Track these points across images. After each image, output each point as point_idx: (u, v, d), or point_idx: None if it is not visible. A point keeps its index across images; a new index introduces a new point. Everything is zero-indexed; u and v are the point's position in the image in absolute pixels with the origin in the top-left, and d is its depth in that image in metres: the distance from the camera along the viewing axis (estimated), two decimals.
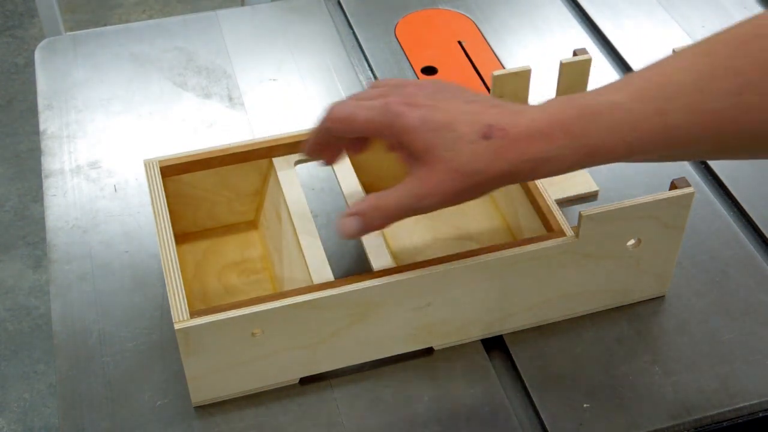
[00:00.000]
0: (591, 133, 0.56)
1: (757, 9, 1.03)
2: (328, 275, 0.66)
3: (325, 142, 0.66)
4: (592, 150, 0.57)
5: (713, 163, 0.85)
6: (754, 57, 0.53)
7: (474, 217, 0.78)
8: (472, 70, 0.96)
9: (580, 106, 0.57)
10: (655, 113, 0.55)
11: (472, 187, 0.58)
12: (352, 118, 0.61)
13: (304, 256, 0.67)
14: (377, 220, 0.61)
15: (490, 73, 0.76)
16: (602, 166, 0.81)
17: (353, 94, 0.65)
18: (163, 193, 0.70)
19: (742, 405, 0.67)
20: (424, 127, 0.58)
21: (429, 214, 0.78)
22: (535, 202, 0.71)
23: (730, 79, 0.53)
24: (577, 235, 0.66)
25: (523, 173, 0.58)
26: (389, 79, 0.67)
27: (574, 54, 0.77)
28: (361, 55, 0.99)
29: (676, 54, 0.57)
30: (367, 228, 0.61)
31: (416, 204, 0.59)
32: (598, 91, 0.58)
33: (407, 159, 0.61)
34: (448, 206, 0.60)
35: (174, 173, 0.72)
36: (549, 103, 0.59)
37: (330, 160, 0.68)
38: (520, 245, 0.66)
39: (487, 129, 0.57)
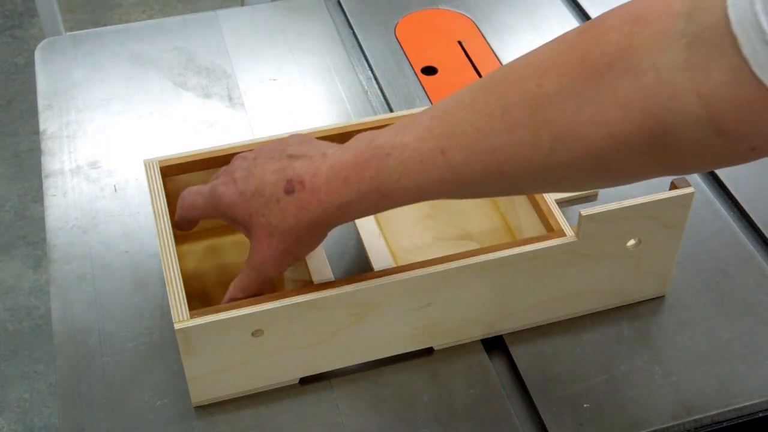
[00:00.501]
0: (382, 175, 0.57)
1: None
2: (328, 275, 0.66)
3: (186, 225, 0.69)
4: (386, 192, 0.58)
5: None
6: (521, 95, 0.53)
7: (474, 217, 0.78)
8: (472, 70, 0.96)
9: (375, 147, 0.58)
10: (438, 152, 0.55)
11: (293, 243, 0.61)
12: (193, 206, 0.66)
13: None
14: (244, 298, 0.64)
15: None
16: None
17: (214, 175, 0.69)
18: (163, 193, 0.70)
19: (742, 405, 0.67)
20: (240, 199, 0.62)
21: (429, 214, 0.78)
22: (535, 202, 0.71)
23: (502, 117, 0.53)
24: (577, 235, 0.66)
25: (333, 218, 0.60)
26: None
27: None
28: (361, 55, 0.99)
29: (464, 89, 0.57)
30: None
31: (260, 274, 0.63)
32: (393, 131, 0.58)
33: (244, 232, 0.64)
34: (291, 264, 0.63)
35: (174, 173, 0.72)
36: (354, 141, 0.60)
37: (187, 229, 0.71)
38: (520, 245, 0.66)
39: (287, 184, 0.60)
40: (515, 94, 0.53)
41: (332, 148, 0.61)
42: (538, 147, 0.53)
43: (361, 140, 0.59)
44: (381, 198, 0.58)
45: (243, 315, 0.61)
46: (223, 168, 0.68)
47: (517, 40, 1.00)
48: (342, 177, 0.58)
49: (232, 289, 0.65)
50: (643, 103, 0.49)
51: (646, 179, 0.54)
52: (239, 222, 0.63)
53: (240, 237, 0.77)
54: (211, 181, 0.67)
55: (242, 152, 0.68)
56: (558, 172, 0.54)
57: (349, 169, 0.58)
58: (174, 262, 0.64)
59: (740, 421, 0.67)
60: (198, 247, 0.76)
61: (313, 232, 0.61)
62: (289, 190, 0.60)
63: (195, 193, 0.66)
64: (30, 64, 2.24)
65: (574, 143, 0.52)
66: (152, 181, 0.71)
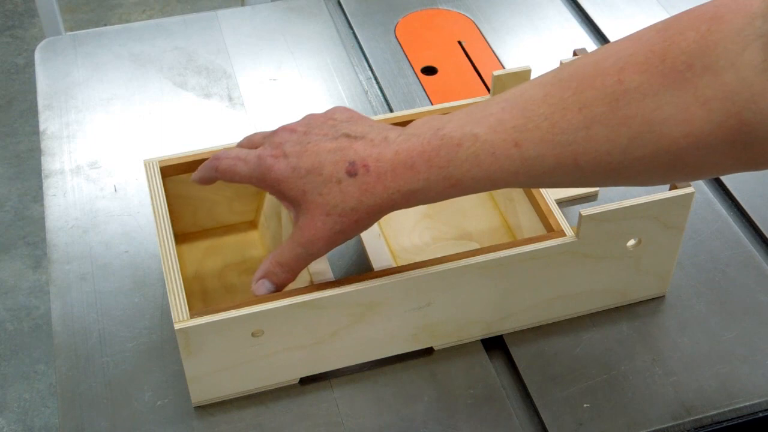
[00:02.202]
0: (453, 165, 0.57)
1: None
2: (328, 275, 0.66)
3: (209, 182, 0.68)
4: (456, 181, 0.58)
5: None
6: (599, 91, 0.54)
7: (474, 217, 0.78)
8: (472, 70, 0.96)
9: (443, 137, 0.58)
10: (512, 145, 0.56)
11: (351, 225, 0.60)
12: (233, 172, 0.64)
13: None
14: (282, 276, 0.63)
15: (490, 73, 0.76)
16: None
17: (240, 142, 0.69)
18: (163, 193, 0.70)
19: (742, 405, 0.67)
20: (293, 175, 0.61)
21: (429, 214, 0.78)
22: (535, 202, 0.71)
23: (579, 112, 0.54)
24: (577, 235, 0.66)
25: (397, 204, 0.60)
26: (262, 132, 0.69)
27: (574, 54, 0.77)
28: (361, 55, 0.99)
29: (532, 83, 0.58)
30: (278, 285, 0.64)
31: (306, 252, 0.62)
32: (460, 120, 0.58)
33: (289, 207, 0.64)
34: (340, 244, 0.62)
35: (174, 173, 0.72)
36: (416, 128, 0.60)
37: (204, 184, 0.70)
38: (520, 245, 0.66)
39: (350, 167, 0.59)
40: (593, 89, 0.54)
41: (393, 132, 0.61)
42: (615, 142, 0.54)
43: (425, 127, 0.59)
44: (449, 187, 0.58)
45: (243, 315, 0.61)
46: (261, 135, 0.67)
47: (517, 40, 1.00)
48: (409, 165, 0.58)
49: (270, 262, 0.63)
50: (724, 101, 0.50)
51: (720, 175, 0.57)
52: (288, 197, 0.62)
53: (240, 237, 0.77)
54: (242, 147, 0.66)
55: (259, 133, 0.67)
56: (634, 167, 0.55)
57: (416, 157, 0.58)
58: (174, 262, 0.64)
59: (740, 421, 0.67)
60: (198, 247, 0.76)
61: (372, 216, 0.60)
62: (351, 173, 0.59)
63: (235, 158, 0.65)
64: (30, 64, 2.24)
65: (652, 140, 0.53)
66: (152, 181, 0.71)
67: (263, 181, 0.63)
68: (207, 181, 0.67)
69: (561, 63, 0.76)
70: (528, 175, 0.57)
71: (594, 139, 0.54)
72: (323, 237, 0.61)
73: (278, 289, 0.64)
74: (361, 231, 0.62)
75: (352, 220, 0.60)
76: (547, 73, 0.58)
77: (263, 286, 0.64)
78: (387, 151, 0.59)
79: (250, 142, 0.67)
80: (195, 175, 0.68)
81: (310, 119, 0.65)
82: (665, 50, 0.52)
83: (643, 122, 0.53)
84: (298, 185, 0.61)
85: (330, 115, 0.65)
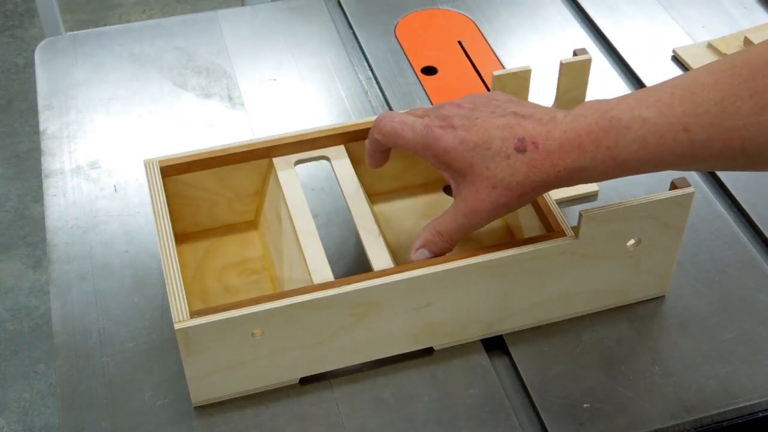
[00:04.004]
0: (620, 146, 0.59)
1: (757, 9, 1.03)
2: (328, 275, 0.66)
3: (378, 150, 0.71)
4: (622, 162, 0.60)
5: None
6: None
7: None
8: (472, 70, 0.96)
9: (612, 119, 0.59)
10: (681, 129, 0.58)
11: (515, 199, 0.62)
12: (396, 135, 0.67)
13: (304, 256, 0.67)
14: (441, 245, 0.66)
15: (490, 73, 0.76)
16: None
17: (403, 112, 0.70)
18: (163, 193, 0.70)
19: (742, 405, 0.67)
20: (461, 147, 0.63)
21: (429, 214, 0.78)
22: (535, 202, 0.71)
23: (750, 99, 0.56)
24: (577, 235, 0.66)
25: (562, 181, 0.61)
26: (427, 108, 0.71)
27: (574, 54, 0.77)
28: (361, 55, 0.99)
29: (702, 70, 0.59)
30: (437, 255, 0.66)
31: (468, 222, 0.64)
32: (629, 104, 0.60)
33: (452, 178, 0.65)
34: (499, 217, 0.64)
35: (174, 173, 0.72)
36: (582, 109, 0.61)
37: (376, 165, 0.73)
38: (520, 245, 0.66)
39: (519, 143, 0.61)
40: (765, 78, 0.55)
41: (559, 113, 0.62)
42: None
43: (593, 109, 0.61)
44: (614, 167, 0.60)
45: (243, 315, 0.61)
46: (422, 109, 0.68)
47: (517, 40, 1.00)
48: (576, 143, 0.60)
49: (430, 231, 0.65)
50: None
51: None
52: (452, 168, 0.64)
53: (240, 237, 0.77)
54: (407, 114, 0.67)
55: (450, 101, 0.68)
56: None
57: (584, 136, 0.60)
58: (174, 262, 0.64)
59: (740, 421, 0.67)
60: (198, 247, 0.76)
61: (537, 191, 0.62)
62: (520, 149, 0.61)
63: (400, 122, 0.66)
64: (30, 64, 2.24)
65: None
66: (152, 181, 0.71)
67: (429, 150, 0.65)
68: (378, 155, 0.70)
69: (561, 63, 0.76)
70: (693, 158, 0.58)
71: (763, 126, 0.55)
72: (487, 209, 0.63)
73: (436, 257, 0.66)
74: (523, 205, 0.64)
75: (516, 194, 0.62)
76: (716, 61, 0.59)
77: (422, 255, 0.66)
78: (555, 130, 0.61)
79: (412, 113, 0.69)
80: (368, 159, 0.71)
81: (474, 98, 0.67)
82: None
83: None
84: (466, 157, 0.63)
85: (492, 95, 0.66)
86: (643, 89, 0.61)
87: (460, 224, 0.64)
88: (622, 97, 0.61)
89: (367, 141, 0.71)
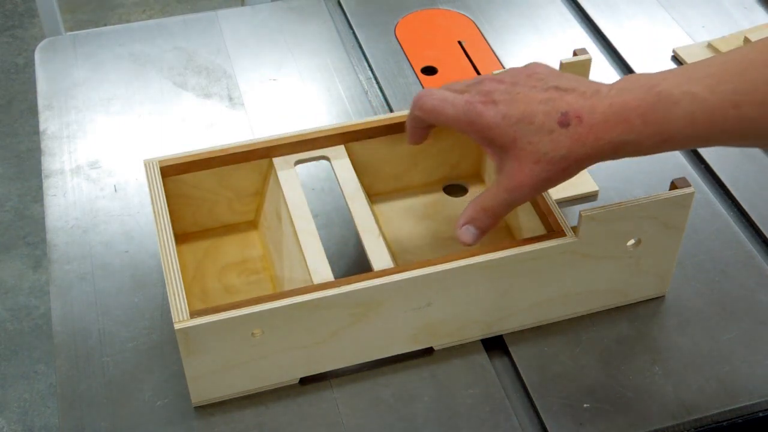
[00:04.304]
0: (668, 121, 0.59)
1: (757, 9, 1.03)
2: (328, 275, 0.66)
3: (418, 126, 0.71)
4: (668, 137, 0.59)
5: (713, 163, 0.85)
6: None
7: None
8: (472, 70, 0.96)
9: (659, 94, 0.59)
10: (730, 106, 0.57)
11: (559, 173, 0.62)
12: (438, 112, 0.66)
13: (304, 256, 0.67)
14: (486, 221, 0.65)
15: (490, 73, 0.76)
16: (602, 166, 0.81)
17: (442, 87, 0.69)
18: (163, 193, 0.70)
19: (742, 405, 0.67)
20: (504, 122, 0.62)
21: (429, 214, 0.78)
22: (535, 202, 0.71)
23: None
24: (577, 235, 0.66)
25: (606, 154, 0.61)
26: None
27: (574, 54, 0.77)
28: (361, 55, 0.99)
29: (751, 46, 0.59)
30: (482, 231, 0.66)
31: (512, 197, 0.64)
32: (677, 79, 0.59)
33: (494, 153, 0.65)
34: (541, 192, 0.64)
35: (174, 173, 0.72)
36: (627, 83, 0.61)
37: (417, 141, 0.73)
38: (520, 245, 0.66)
39: (563, 117, 0.61)
40: None
41: (603, 86, 0.62)
42: None
43: (637, 83, 0.60)
44: (661, 142, 0.60)
45: (243, 315, 0.61)
46: (463, 84, 0.67)
47: (517, 40, 1.00)
48: (622, 117, 0.59)
49: (474, 208, 0.65)
50: None
51: None
52: (495, 144, 0.64)
53: (240, 237, 0.77)
54: (447, 90, 0.67)
55: (489, 76, 0.67)
56: None
57: (630, 111, 0.59)
58: (174, 262, 0.64)
59: (740, 421, 0.67)
60: (198, 247, 0.76)
61: (580, 165, 0.62)
62: (564, 123, 0.61)
63: (441, 99, 0.66)
64: (30, 64, 2.24)
65: None
66: (152, 181, 0.71)
67: (471, 126, 0.64)
68: (419, 131, 0.70)
69: (561, 63, 0.76)
70: (741, 136, 0.59)
71: None
72: (530, 183, 0.63)
73: (482, 235, 0.66)
74: (566, 180, 0.63)
75: (560, 168, 0.62)
76: (765, 38, 0.59)
77: (468, 232, 0.66)
78: (600, 104, 0.60)
79: (451, 89, 0.68)
80: (409, 136, 0.72)
81: (514, 71, 0.66)
82: None
83: None
84: (509, 133, 0.62)
85: (532, 69, 0.66)
86: (690, 64, 0.61)
87: (504, 199, 0.64)
88: (667, 71, 0.61)
89: (407, 119, 0.71)
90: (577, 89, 0.62)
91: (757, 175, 0.84)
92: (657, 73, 0.61)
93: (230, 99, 0.93)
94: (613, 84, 0.62)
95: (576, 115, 0.61)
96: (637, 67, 0.96)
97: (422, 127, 0.71)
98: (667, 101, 0.59)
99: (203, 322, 0.61)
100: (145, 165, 0.72)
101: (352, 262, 0.76)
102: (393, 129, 0.76)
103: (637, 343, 0.71)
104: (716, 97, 0.58)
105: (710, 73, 0.59)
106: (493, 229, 0.66)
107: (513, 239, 0.76)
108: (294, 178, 0.73)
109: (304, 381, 0.68)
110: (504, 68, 0.88)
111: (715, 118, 0.58)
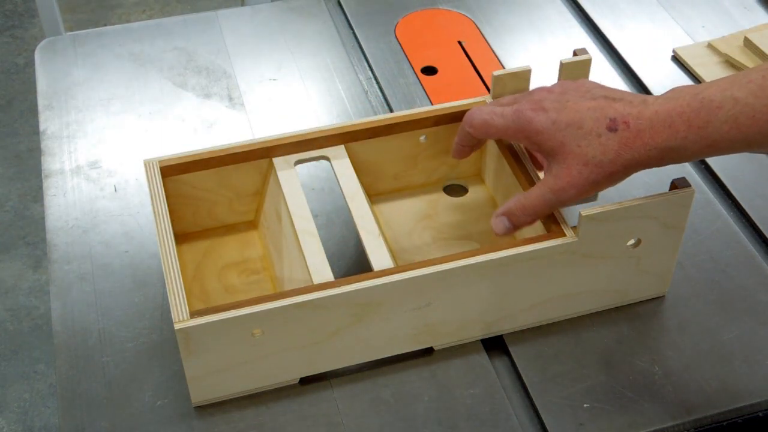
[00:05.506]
0: (712, 126, 0.60)
1: (757, 9, 1.03)
2: (328, 275, 0.66)
3: (466, 144, 0.74)
4: (713, 142, 0.61)
5: (713, 163, 0.85)
6: None
7: (474, 218, 0.78)
8: (472, 70, 0.96)
9: (703, 99, 0.61)
10: None
11: (606, 177, 0.64)
12: (488, 125, 0.69)
13: (304, 256, 0.67)
14: (523, 218, 0.68)
15: (490, 73, 0.76)
16: None
17: (489, 103, 0.72)
18: (163, 193, 0.70)
19: (742, 405, 0.67)
20: (553, 127, 0.64)
21: (429, 214, 0.78)
22: None
23: None
24: (577, 235, 0.66)
25: (652, 160, 0.63)
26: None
27: (574, 54, 0.77)
28: (361, 55, 0.99)
29: None
30: (516, 226, 0.68)
31: (556, 198, 0.65)
32: (720, 86, 0.61)
33: (542, 159, 0.67)
34: (585, 196, 0.66)
35: (174, 173, 0.72)
36: (672, 93, 0.63)
37: (461, 157, 0.76)
38: (520, 245, 0.66)
39: (611, 123, 0.63)
40: None
41: (650, 97, 0.64)
42: None
43: (683, 92, 0.62)
44: (705, 147, 0.61)
45: (243, 315, 0.61)
46: (512, 97, 0.70)
47: (517, 40, 1.00)
48: (668, 123, 0.61)
49: (515, 204, 0.67)
50: None
51: None
52: (544, 148, 0.66)
53: (240, 237, 0.77)
54: (494, 106, 0.69)
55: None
56: None
57: (675, 117, 0.61)
58: (174, 262, 0.64)
59: (740, 421, 0.67)
60: (198, 247, 0.76)
61: (626, 171, 0.64)
62: (612, 128, 0.63)
63: (490, 113, 0.69)
64: (30, 64, 2.24)
65: None
66: (152, 181, 0.71)
67: (521, 132, 0.66)
68: (465, 149, 0.73)
69: (561, 63, 0.76)
70: None
71: None
72: (577, 185, 0.64)
73: (514, 230, 0.68)
74: (612, 185, 0.65)
75: (607, 172, 0.63)
76: None
77: (502, 223, 0.68)
78: (646, 111, 0.62)
79: (499, 104, 0.71)
80: (454, 151, 0.74)
81: (563, 83, 0.68)
82: None
83: None
84: (557, 137, 0.64)
85: (581, 83, 0.68)
86: (735, 74, 0.62)
87: (548, 200, 0.66)
88: (713, 81, 0.62)
89: (457, 135, 0.73)
90: (624, 98, 0.64)
91: (757, 175, 0.84)
92: (704, 83, 0.63)
93: (230, 99, 0.93)
94: (660, 95, 0.63)
95: (623, 120, 0.62)
96: (637, 67, 0.96)
97: (470, 145, 0.73)
98: (710, 106, 0.60)
99: (203, 322, 0.61)
100: (145, 165, 0.72)
101: (352, 262, 0.76)
102: (393, 129, 0.76)
103: (637, 343, 0.71)
104: (759, 101, 0.59)
105: (753, 78, 0.60)
106: (528, 227, 0.68)
107: (513, 239, 0.76)
108: (294, 178, 0.73)
109: (304, 381, 0.68)
110: (504, 68, 0.88)
111: (758, 121, 0.59)
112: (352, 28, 1.03)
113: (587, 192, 0.65)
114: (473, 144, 0.73)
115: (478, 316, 0.69)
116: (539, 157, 0.68)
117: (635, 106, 0.63)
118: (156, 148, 0.87)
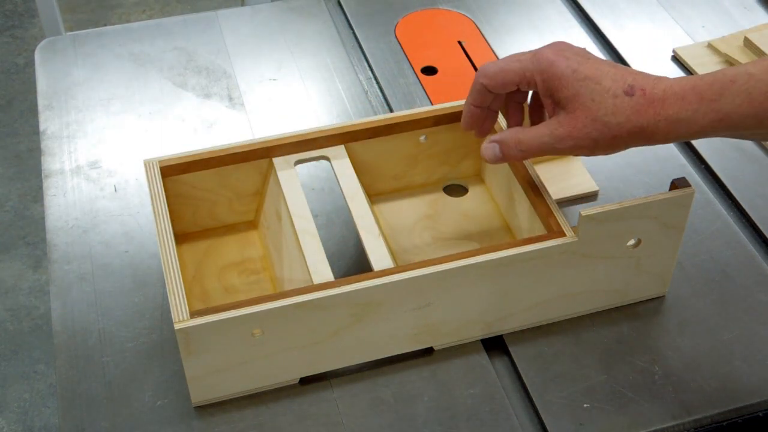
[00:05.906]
0: (724, 99, 0.61)
1: (757, 9, 1.03)
2: (328, 275, 0.66)
3: (479, 112, 0.70)
4: (723, 115, 0.61)
5: (713, 163, 0.85)
6: None
7: (474, 218, 0.78)
8: (472, 70, 0.96)
9: (716, 74, 0.61)
10: None
11: (609, 139, 0.63)
12: (505, 70, 0.67)
13: (304, 256, 0.67)
14: (515, 152, 0.67)
15: None
16: (602, 167, 0.81)
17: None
18: (163, 193, 0.70)
19: (741, 405, 0.67)
20: (573, 76, 0.64)
21: (429, 214, 0.78)
22: (535, 202, 0.71)
23: None
24: (577, 235, 0.66)
25: (659, 133, 0.62)
26: None
27: None
28: (361, 55, 0.99)
29: None
30: (505, 157, 0.67)
31: (554, 144, 0.65)
32: (734, 66, 0.61)
33: (552, 105, 0.66)
34: (581, 154, 0.65)
35: (174, 173, 0.72)
36: (690, 75, 0.63)
37: (482, 132, 0.72)
38: (520, 245, 0.66)
39: (629, 88, 0.63)
40: None
41: (657, 75, 0.64)
42: None
43: (697, 74, 0.63)
44: (716, 121, 0.61)
45: (243, 315, 0.61)
46: (533, 52, 0.68)
47: (517, 40, 1.00)
48: (680, 96, 0.62)
49: (510, 134, 0.66)
50: None
51: None
52: (558, 96, 0.65)
53: (240, 237, 0.77)
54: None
55: None
56: None
57: (688, 90, 0.62)
58: (174, 262, 0.64)
59: (740, 421, 0.67)
60: (198, 247, 0.76)
61: (630, 139, 0.63)
62: (629, 93, 0.63)
63: (504, 59, 0.67)
64: (30, 64, 2.24)
65: None
66: (152, 181, 0.71)
67: (540, 74, 0.65)
68: (476, 111, 0.70)
69: None
70: None
71: None
72: (576, 137, 0.64)
73: (502, 161, 0.68)
74: (608, 152, 0.65)
75: (611, 134, 0.63)
76: None
77: (492, 150, 0.67)
78: (662, 83, 0.63)
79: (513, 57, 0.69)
80: (463, 118, 0.71)
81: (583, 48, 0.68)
82: None
83: None
84: (574, 86, 0.64)
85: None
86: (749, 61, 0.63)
87: (544, 142, 0.65)
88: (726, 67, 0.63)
89: (468, 95, 0.70)
90: (643, 72, 0.64)
91: (757, 175, 0.84)
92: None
93: (230, 99, 0.93)
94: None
95: (641, 88, 0.63)
96: (637, 67, 0.96)
97: (482, 106, 0.70)
98: (723, 79, 0.61)
99: (203, 322, 0.61)
100: (145, 165, 0.72)
101: (352, 262, 0.76)
102: (393, 129, 0.76)
103: (637, 343, 0.71)
104: None
105: None
106: (516, 161, 0.66)
107: (513, 239, 0.76)
108: (294, 178, 0.73)
109: (304, 381, 0.68)
110: None
111: None
112: (352, 28, 1.03)
113: (582, 149, 0.64)
114: (485, 105, 0.70)
115: (478, 316, 0.69)
116: (549, 102, 0.66)
117: (653, 78, 0.64)
118: (156, 148, 0.87)
